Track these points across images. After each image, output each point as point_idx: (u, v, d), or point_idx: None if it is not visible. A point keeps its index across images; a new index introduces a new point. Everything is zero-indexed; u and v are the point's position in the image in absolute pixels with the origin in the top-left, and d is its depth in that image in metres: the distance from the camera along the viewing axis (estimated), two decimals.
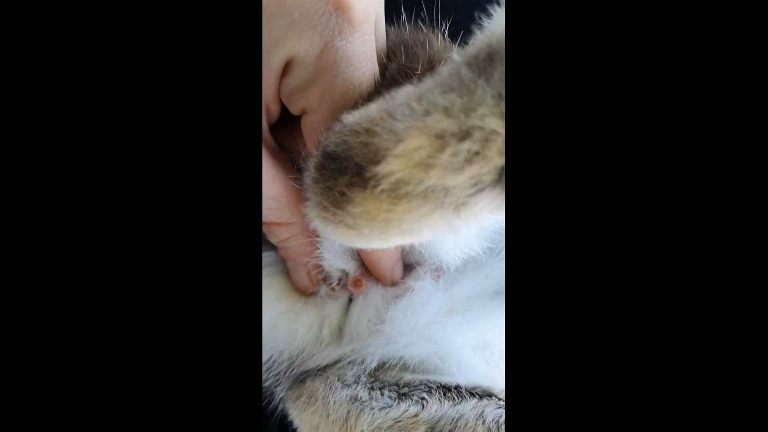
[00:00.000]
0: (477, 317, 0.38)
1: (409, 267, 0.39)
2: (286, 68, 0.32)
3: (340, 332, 0.40)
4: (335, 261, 0.38)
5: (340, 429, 0.34)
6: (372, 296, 0.39)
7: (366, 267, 0.39)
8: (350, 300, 0.40)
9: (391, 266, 0.38)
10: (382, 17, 0.35)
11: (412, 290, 0.37)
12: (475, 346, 0.37)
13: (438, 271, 0.38)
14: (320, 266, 0.38)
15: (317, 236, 0.36)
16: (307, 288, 0.39)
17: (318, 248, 0.37)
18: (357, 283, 0.39)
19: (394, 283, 0.38)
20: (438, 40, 0.33)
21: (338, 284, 0.39)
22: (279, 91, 0.33)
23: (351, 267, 0.38)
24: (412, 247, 0.36)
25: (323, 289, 0.39)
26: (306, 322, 0.39)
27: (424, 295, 0.37)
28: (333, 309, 0.39)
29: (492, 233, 0.38)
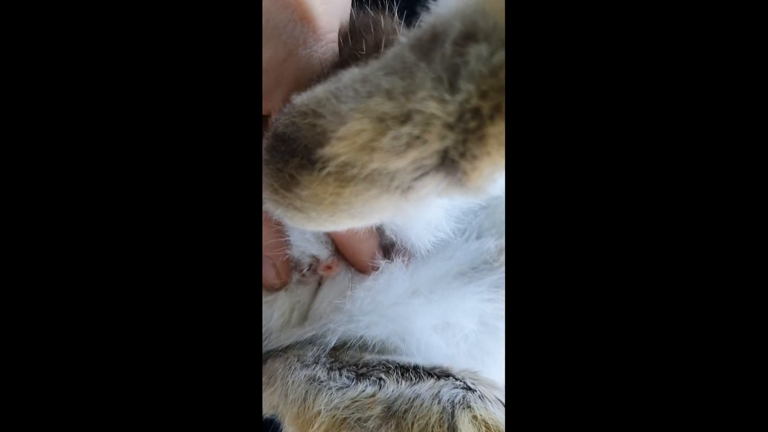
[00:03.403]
0: (440, 298, 0.38)
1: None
2: None
3: (306, 315, 0.40)
4: (307, 247, 0.38)
5: (298, 409, 0.34)
6: (340, 279, 0.39)
7: (340, 253, 0.38)
8: (319, 284, 0.40)
9: (371, 256, 0.38)
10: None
11: (380, 271, 0.37)
12: (437, 327, 0.37)
13: (408, 256, 0.38)
14: (289, 258, 0.38)
15: (282, 228, 0.36)
16: (273, 284, 0.39)
17: (285, 241, 0.37)
18: (328, 268, 0.39)
19: (374, 270, 0.38)
20: (385, 22, 0.33)
21: (309, 270, 0.39)
22: None
23: (323, 253, 0.38)
24: (383, 230, 0.36)
25: (295, 276, 0.39)
26: (280, 309, 0.39)
27: (390, 277, 0.37)
28: (304, 294, 0.39)
29: (459, 213, 0.38)
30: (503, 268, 0.39)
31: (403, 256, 0.37)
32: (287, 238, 0.37)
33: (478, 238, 0.39)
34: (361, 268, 0.37)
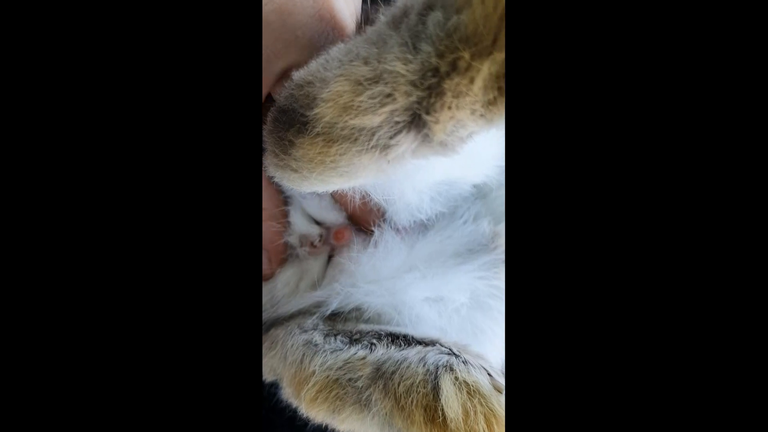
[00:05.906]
0: (435, 274, 0.40)
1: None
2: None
3: (315, 285, 0.42)
4: (322, 215, 0.41)
5: (295, 369, 0.37)
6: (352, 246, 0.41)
7: (351, 220, 0.41)
8: (330, 256, 0.42)
9: (373, 217, 0.40)
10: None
11: (379, 239, 0.40)
12: (429, 299, 0.39)
13: (400, 228, 0.41)
14: (283, 245, 0.41)
15: (283, 221, 0.40)
16: (266, 274, 0.42)
17: (280, 232, 0.40)
18: (339, 235, 0.41)
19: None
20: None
21: (320, 241, 0.42)
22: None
23: (336, 220, 0.41)
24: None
25: (303, 249, 0.42)
26: (283, 279, 0.42)
27: (389, 247, 0.40)
28: (314, 264, 0.42)
29: (449, 200, 0.41)
30: (497, 251, 0.41)
31: (396, 228, 0.40)
32: (282, 228, 0.40)
33: (474, 220, 0.42)
34: (367, 227, 0.40)
